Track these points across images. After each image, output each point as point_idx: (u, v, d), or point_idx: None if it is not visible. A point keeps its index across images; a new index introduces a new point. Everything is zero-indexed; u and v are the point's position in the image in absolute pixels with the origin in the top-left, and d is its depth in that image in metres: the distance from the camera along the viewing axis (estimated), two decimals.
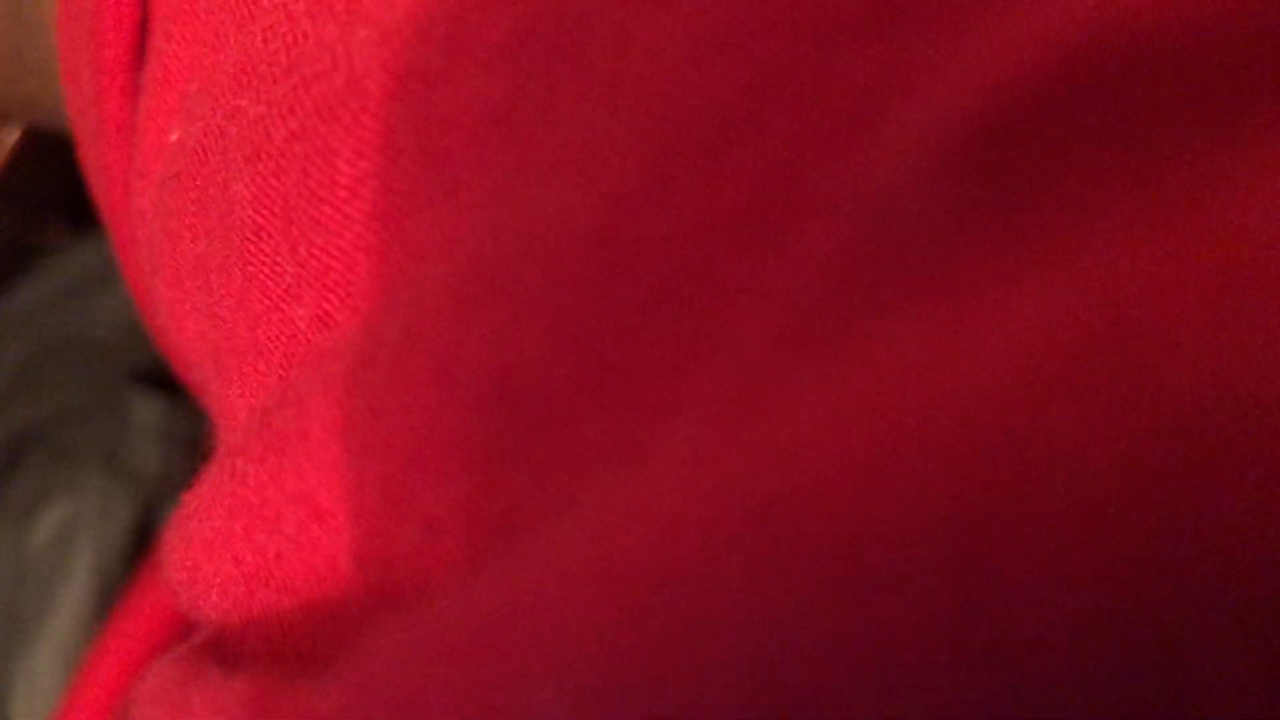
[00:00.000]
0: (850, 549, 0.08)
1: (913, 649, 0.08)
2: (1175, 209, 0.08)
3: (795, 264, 0.10)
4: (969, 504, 0.07)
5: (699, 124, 0.11)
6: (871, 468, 0.08)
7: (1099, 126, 0.09)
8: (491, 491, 0.12)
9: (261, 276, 0.16)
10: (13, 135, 0.31)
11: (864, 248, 0.10)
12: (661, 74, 0.12)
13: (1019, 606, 0.07)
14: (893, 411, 0.08)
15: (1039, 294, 0.08)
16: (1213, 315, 0.07)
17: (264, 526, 0.15)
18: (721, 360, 0.11)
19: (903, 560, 0.08)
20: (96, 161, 0.22)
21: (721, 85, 0.11)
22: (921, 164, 0.10)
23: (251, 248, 0.16)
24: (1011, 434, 0.07)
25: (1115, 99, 0.09)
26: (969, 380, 0.08)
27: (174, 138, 0.17)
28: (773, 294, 0.10)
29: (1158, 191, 0.08)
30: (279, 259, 0.15)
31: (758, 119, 0.11)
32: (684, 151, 0.11)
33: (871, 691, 0.08)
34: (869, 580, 0.08)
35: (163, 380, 0.36)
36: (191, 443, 0.36)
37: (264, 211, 0.15)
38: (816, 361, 0.10)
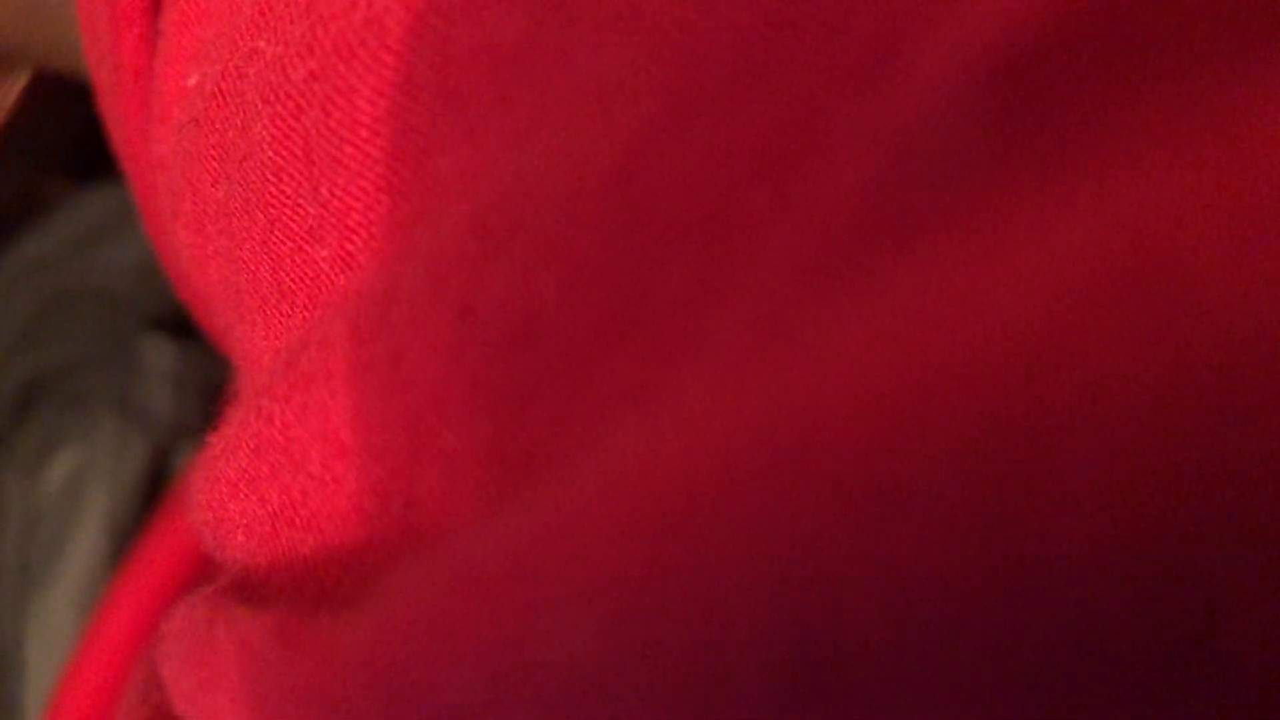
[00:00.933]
0: (877, 471, 0.08)
1: (941, 568, 0.08)
2: (1202, 138, 0.08)
3: (819, 198, 0.10)
4: (999, 427, 0.08)
5: (719, 58, 0.11)
6: (899, 390, 0.08)
7: (1123, 57, 0.09)
8: (513, 431, 0.12)
9: (284, 218, 0.16)
10: (19, 83, 0.31)
11: (889, 180, 0.10)
12: (680, 5, 0.12)
13: (1048, 527, 0.07)
14: (921, 337, 0.08)
15: (1068, 224, 0.08)
16: (1241, 243, 0.07)
17: (289, 465, 0.15)
18: (745, 295, 0.11)
19: (931, 481, 0.08)
20: (115, 109, 0.22)
21: (741, 17, 0.11)
22: (946, 96, 0.10)
23: (273, 189, 0.16)
24: (1043, 358, 0.07)
25: (1139, 29, 0.09)
26: (1000, 307, 0.08)
27: (192, 82, 0.17)
28: (796, 228, 0.10)
29: (1184, 121, 0.08)
30: (301, 200, 0.15)
31: (778, 52, 0.11)
32: (704, 87, 0.11)
33: (899, 613, 0.08)
34: (897, 501, 0.08)
35: (173, 327, 0.36)
36: (203, 387, 0.36)
37: (284, 152, 0.15)
38: (841, 292, 0.10)
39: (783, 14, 0.11)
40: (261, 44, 0.16)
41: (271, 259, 0.16)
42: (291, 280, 0.16)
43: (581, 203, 0.12)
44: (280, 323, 0.17)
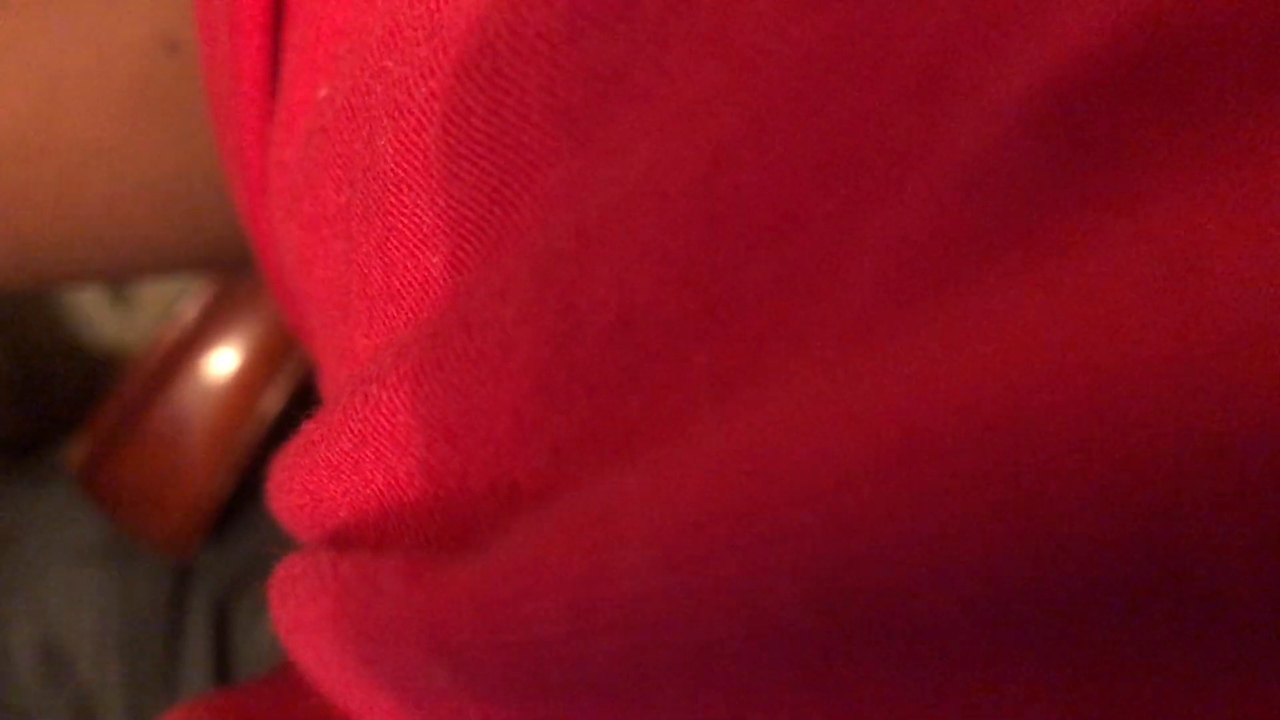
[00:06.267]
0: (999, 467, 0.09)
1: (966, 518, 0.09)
2: (1235, 166, 0.09)
3: (893, 213, 0.11)
4: (1045, 418, 0.09)
5: (787, 78, 0.12)
6: (1000, 406, 0.09)
7: (1168, 91, 0.10)
8: (612, 415, 0.13)
9: (400, 226, 0.17)
10: None
11: (959, 203, 0.11)
12: (759, 27, 0.13)
13: (1054, 481, 0.09)
14: (1004, 352, 0.09)
15: (1121, 246, 0.09)
16: (1257, 256, 0.08)
17: (395, 449, 0.16)
18: (826, 300, 0.12)
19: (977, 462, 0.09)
20: (228, 114, 0.24)
21: (809, 37, 0.12)
22: (1008, 129, 0.11)
23: (393, 199, 0.17)
24: (1103, 361, 0.09)
25: (1182, 64, 0.10)
26: (1068, 320, 0.09)
27: (323, 93, 0.19)
28: (873, 240, 0.11)
29: (1220, 150, 0.09)
30: (418, 210, 0.16)
31: (839, 70, 0.12)
32: (775, 103, 0.12)
33: (922, 555, 0.09)
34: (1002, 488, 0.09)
35: None
36: None
37: (405, 165, 0.17)
38: (923, 306, 0.11)
39: (840, 33, 0.12)
40: (389, 63, 0.17)
41: (385, 263, 0.17)
42: (402, 284, 0.17)
43: (670, 209, 0.13)
44: (384, 322, 0.18)
